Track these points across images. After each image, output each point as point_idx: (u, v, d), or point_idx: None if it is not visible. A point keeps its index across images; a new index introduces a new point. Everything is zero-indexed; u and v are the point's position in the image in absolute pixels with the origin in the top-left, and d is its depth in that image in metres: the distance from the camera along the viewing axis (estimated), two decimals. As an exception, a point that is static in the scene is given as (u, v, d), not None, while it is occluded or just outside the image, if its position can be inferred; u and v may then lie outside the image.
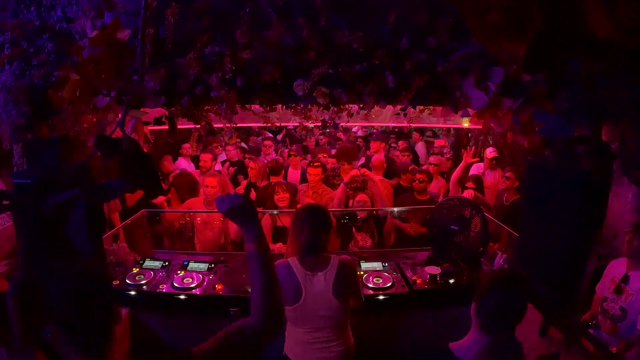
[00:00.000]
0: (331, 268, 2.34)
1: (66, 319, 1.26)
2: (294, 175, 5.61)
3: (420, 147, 7.87)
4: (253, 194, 4.88)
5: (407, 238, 4.51)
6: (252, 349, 1.37)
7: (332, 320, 2.34)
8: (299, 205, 4.39)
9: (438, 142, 7.61)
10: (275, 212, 4.29)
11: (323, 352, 2.34)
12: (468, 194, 4.45)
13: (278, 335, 1.47)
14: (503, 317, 1.69)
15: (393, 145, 7.76)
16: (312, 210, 2.45)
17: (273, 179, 5.03)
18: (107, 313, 1.32)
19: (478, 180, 4.95)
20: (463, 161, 4.84)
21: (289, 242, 2.46)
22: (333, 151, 6.71)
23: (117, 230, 4.03)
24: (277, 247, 4.11)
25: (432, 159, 5.68)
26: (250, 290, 1.44)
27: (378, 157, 5.35)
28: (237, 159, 6.39)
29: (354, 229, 4.28)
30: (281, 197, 4.22)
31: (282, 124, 4.90)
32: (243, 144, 7.72)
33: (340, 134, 8.55)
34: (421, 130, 8.10)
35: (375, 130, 8.83)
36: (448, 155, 6.99)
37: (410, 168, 5.34)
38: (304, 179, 5.32)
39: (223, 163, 6.34)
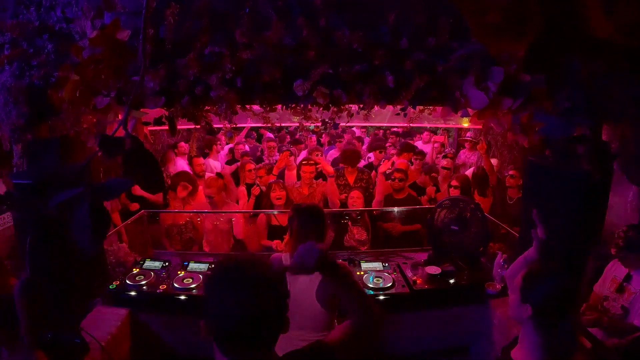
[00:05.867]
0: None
1: None
2: (289, 176, 5.62)
3: (427, 147, 7.85)
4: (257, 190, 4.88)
5: (392, 237, 4.53)
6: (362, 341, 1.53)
7: (314, 323, 2.30)
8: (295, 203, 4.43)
9: (438, 139, 7.59)
10: (274, 212, 4.31)
11: None
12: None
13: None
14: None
15: (387, 145, 7.77)
16: (306, 212, 2.43)
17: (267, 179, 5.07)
18: None
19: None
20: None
21: (287, 239, 2.46)
22: (333, 151, 6.75)
23: (117, 231, 4.02)
24: (274, 244, 4.13)
25: (443, 162, 5.67)
26: (345, 306, 1.59)
27: (402, 163, 5.37)
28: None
29: (349, 223, 4.32)
30: (278, 195, 4.26)
31: (282, 124, 4.91)
32: (246, 146, 7.73)
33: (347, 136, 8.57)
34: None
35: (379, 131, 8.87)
36: (450, 155, 6.98)
37: (433, 174, 5.39)
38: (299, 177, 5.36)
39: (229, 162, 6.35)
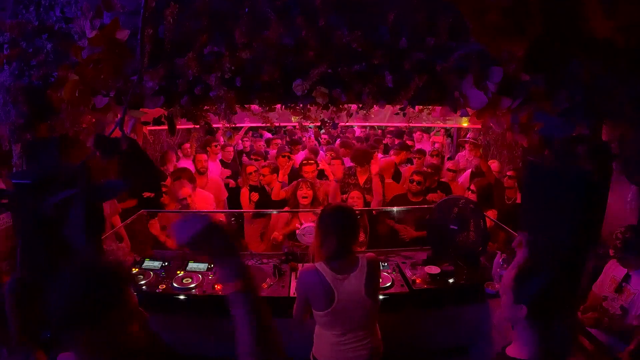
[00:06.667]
0: (361, 269, 2.31)
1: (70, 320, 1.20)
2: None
3: (425, 146, 7.85)
4: (256, 196, 4.87)
5: (400, 239, 4.51)
6: None
7: (365, 320, 2.33)
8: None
9: (436, 139, 7.60)
10: (273, 211, 4.31)
11: (354, 352, 2.33)
12: None
13: None
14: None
15: (385, 142, 7.81)
16: (339, 213, 2.36)
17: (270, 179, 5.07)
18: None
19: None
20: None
21: (315, 245, 2.39)
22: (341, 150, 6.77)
23: (116, 231, 4.02)
24: (289, 244, 4.12)
25: (448, 164, 5.65)
26: (237, 345, 1.11)
27: (386, 160, 5.35)
28: (231, 160, 6.39)
29: None
30: (304, 194, 4.23)
31: (282, 124, 4.91)
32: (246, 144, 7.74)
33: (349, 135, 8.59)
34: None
35: (372, 131, 8.87)
36: (448, 155, 6.99)
37: (424, 169, 5.35)
38: (292, 176, 5.35)
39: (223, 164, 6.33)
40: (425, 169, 5.24)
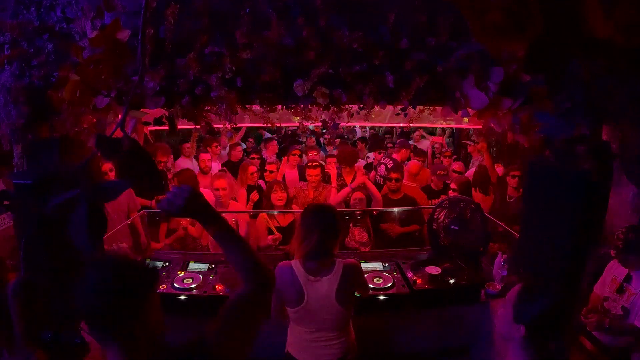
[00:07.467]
0: (335, 274, 2.30)
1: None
2: (291, 174, 5.61)
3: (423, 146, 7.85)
4: (256, 196, 4.88)
5: (389, 238, 4.52)
6: (255, 317, 1.43)
7: (334, 323, 2.33)
8: (294, 204, 4.44)
9: (436, 139, 7.59)
10: (274, 212, 4.31)
11: (325, 349, 2.35)
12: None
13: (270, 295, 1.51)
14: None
15: (389, 145, 7.80)
16: (321, 213, 2.37)
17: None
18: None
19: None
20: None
21: (294, 242, 2.40)
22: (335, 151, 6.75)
23: (116, 231, 4.02)
24: (270, 238, 4.10)
25: (455, 165, 5.64)
26: (233, 266, 1.45)
27: (415, 164, 5.34)
28: (238, 159, 6.38)
29: (350, 224, 4.31)
30: (279, 196, 4.22)
31: (282, 124, 4.90)
32: (243, 145, 7.72)
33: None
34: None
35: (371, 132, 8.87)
36: (448, 154, 6.98)
37: (438, 172, 5.35)
38: (302, 177, 5.33)
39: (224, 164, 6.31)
40: (440, 172, 5.26)
